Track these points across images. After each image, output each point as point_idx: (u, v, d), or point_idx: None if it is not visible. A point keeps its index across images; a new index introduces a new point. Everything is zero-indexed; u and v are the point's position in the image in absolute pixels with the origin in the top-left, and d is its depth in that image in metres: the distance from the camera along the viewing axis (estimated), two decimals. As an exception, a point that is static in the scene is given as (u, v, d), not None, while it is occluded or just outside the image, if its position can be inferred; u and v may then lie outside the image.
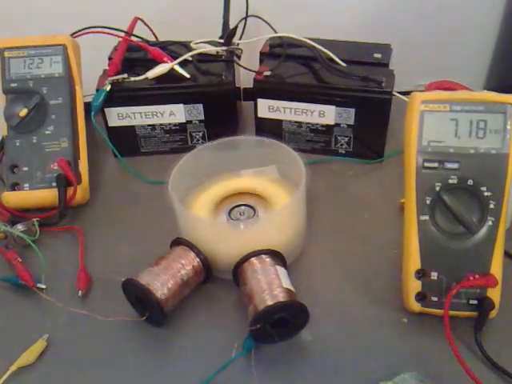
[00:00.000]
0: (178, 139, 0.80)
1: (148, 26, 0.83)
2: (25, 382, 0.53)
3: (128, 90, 0.76)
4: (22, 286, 0.60)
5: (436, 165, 0.53)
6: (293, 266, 0.62)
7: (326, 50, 0.77)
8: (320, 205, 0.70)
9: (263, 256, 0.58)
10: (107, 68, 0.77)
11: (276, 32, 0.79)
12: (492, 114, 0.52)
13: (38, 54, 0.72)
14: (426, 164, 0.53)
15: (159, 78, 0.76)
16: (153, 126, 0.79)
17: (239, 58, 0.81)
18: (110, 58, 0.79)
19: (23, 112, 0.70)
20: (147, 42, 0.82)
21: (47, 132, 0.71)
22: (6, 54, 0.72)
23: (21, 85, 0.72)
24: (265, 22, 0.78)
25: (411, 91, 0.55)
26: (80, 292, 0.60)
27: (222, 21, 0.82)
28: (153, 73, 0.76)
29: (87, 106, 0.74)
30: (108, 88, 0.74)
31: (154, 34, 0.85)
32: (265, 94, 0.75)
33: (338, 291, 0.60)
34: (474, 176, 0.52)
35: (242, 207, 0.65)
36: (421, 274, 0.54)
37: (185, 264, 0.57)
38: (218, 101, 0.77)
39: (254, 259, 0.57)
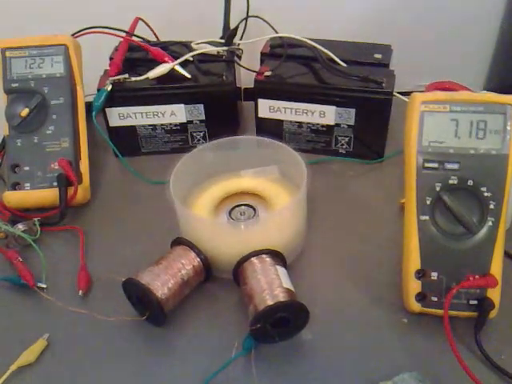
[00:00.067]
0: (179, 139, 0.80)
1: (149, 26, 0.84)
2: (25, 381, 0.53)
3: (129, 90, 0.76)
4: (23, 285, 0.61)
5: (436, 165, 0.53)
6: (293, 266, 0.62)
7: (326, 51, 0.77)
8: (320, 205, 0.70)
9: (263, 256, 0.58)
10: (108, 68, 0.77)
11: (277, 32, 0.79)
12: (492, 114, 0.52)
13: (40, 53, 0.72)
14: (426, 164, 0.53)
15: (160, 78, 0.76)
16: (154, 126, 0.79)
17: (240, 58, 0.81)
18: (111, 58, 0.79)
19: (24, 112, 0.70)
20: (148, 42, 0.82)
21: (48, 132, 0.71)
22: (8, 53, 0.72)
23: (22, 85, 0.72)
24: (265, 22, 0.78)
25: (411, 92, 0.56)
26: (80, 291, 0.60)
27: (222, 21, 0.82)
28: (154, 73, 0.76)
29: (88, 106, 0.74)
30: (109, 88, 0.74)
31: (154, 34, 0.85)
32: (265, 94, 0.76)
33: (338, 291, 0.60)
34: (474, 176, 0.52)
35: (243, 207, 0.65)
36: (421, 274, 0.54)
37: (185, 264, 0.58)
38: (219, 101, 0.77)
39: (254, 259, 0.57)
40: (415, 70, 0.87)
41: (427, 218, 0.53)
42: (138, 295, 0.56)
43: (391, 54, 0.80)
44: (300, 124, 0.77)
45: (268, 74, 0.76)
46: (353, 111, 0.73)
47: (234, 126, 0.81)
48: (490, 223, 0.53)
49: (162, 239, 0.62)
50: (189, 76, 0.76)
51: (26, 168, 0.71)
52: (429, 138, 0.53)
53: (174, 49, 0.81)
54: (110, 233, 0.69)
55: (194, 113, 0.77)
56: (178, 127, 0.79)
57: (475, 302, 0.54)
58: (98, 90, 0.75)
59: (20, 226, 0.66)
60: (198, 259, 0.58)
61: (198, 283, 0.60)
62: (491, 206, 0.52)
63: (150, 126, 0.79)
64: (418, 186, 0.53)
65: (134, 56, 0.80)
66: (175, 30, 0.84)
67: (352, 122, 0.74)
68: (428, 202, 0.53)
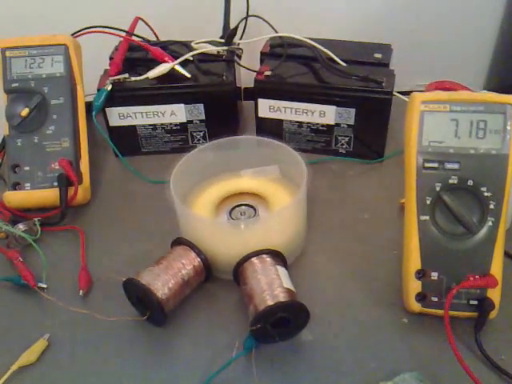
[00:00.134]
0: (179, 139, 0.80)
1: (149, 26, 0.84)
2: (26, 381, 0.53)
3: (129, 90, 0.76)
4: (24, 285, 0.61)
5: (436, 165, 0.53)
6: (293, 266, 0.62)
7: (326, 50, 0.77)
8: (320, 205, 0.70)
9: (264, 256, 0.58)
10: (108, 68, 0.77)
11: (276, 32, 0.79)
12: (492, 114, 0.52)
13: (40, 53, 0.72)
14: (426, 164, 0.53)
15: (160, 78, 0.76)
16: (154, 126, 0.79)
17: (240, 57, 0.81)
18: (111, 58, 0.79)
19: (24, 112, 0.70)
20: (148, 41, 0.82)
21: (48, 132, 0.71)
22: (8, 53, 0.72)
23: (22, 84, 0.72)
24: (265, 21, 0.78)
25: (411, 91, 0.56)
26: (81, 291, 0.60)
27: (222, 21, 0.82)
28: (154, 72, 0.76)
29: (88, 106, 0.74)
30: (109, 88, 0.74)
31: (154, 34, 0.85)
32: (265, 94, 0.76)
33: (338, 291, 0.60)
34: (474, 176, 0.52)
35: (243, 207, 0.65)
36: (421, 275, 0.54)
37: (185, 264, 0.58)
38: (219, 101, 0.77)
39: (254, 259, 0.57)
40: (415, 69, 0.87)
41: (427, 217, 0.53)
42: (138, 295, 0.56)
43: (391, 53, 0.80)
44: (300, 124, 0.77)
45: (268, 73, 0.76)
46: (353, 111, 0.73)
47: (234, 125, 0.81)
48: (490, 223, 0.53)
49: (162, 239, 0.62)
50: (189, 76, 0.76)
51: (27, 168, 0.71)
52: (429, 138, 0.53)
53: (173, 48, 0.81)
54: (111, 233, 0.69)
55: (194, 112, 0.77)
56: (178, 127, 0.79)
57: (475, 302, 0.54)
58: (98, 90, 0.75)
59: (20, 226, 0.66)
60: (199, 259, 0.58)
61: (198, 283, 0.60)
62: (491, 206, 0.52)
63: (150, 125, 0.79)
64: (418, 186, 0.53)
65: (134, 56, 0.80)
66: (175, 30, 0.84)
67: (352, 122, 0.75)
68: (428, 202, 0.53)
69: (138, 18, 0.81)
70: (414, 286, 0.55)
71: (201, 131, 0.80)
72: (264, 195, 0.67)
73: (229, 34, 0.80)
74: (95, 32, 0.77)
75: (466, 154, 0.53)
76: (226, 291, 0.60)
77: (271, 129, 0.77)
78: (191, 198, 0.68)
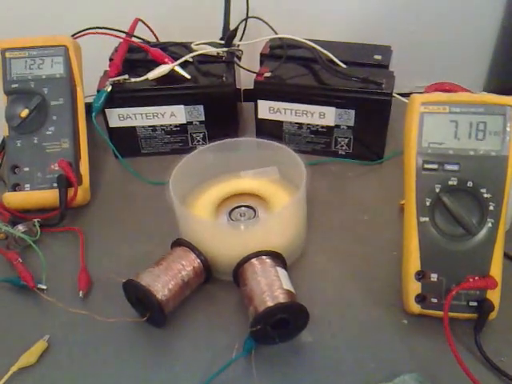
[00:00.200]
0: (179, 140, 0.80)
1: (149, 27, 0.84)
2: (25, 382, 0.53)
3: (129, 91, 0.76)
4: (23, 286, 0.61)
5: (436, 166, 0.53)
6: (293, 267, 0.62)
7: (326, 52, 0.77)
8: (320, 206, 0.70)
9: (263, 257, 0.58)
10: (108, 69, 0.77)
11: (276, 33, 0.79)
12: (491, 115, 0.52)
13: (40, 54, 0.72)
14: (426, 165, 0.53)
15: (160, 79, 0.76)
16: (153, 127, 0.79)
17: (240, 59, 0.81)
18: (110, 59, 0.79)
19: (24, 113, 0.70)
20: (148, 43, 0.82)
21: (48, 133, 0.71)
22: (8, 54, 0.72)
23: (22, 85, 0.72)
24: (265, 23, 0.78)
25: (411, 93, 0.56)
26: (81, 292, 0.60)
27: (222, 22, 0.82)
28: (153, 74, 0.76)
29: (88, 107, 0.74)
30: (109, 89, 0.74)
31: (154, 35, 0.85)
32: (265, 96, 0.76)
33: (337, 292, 0.60)
34: (474, 178, 0.52)
35: (243, 208, 0.65)
36: (421, 276, 0.54)
37: (185, 265, 0.58)
38: (219, 102, 0.77)
39: (254, 260, 0.57)
40: (415, 71, 0.87)
41: (427, 219, 0.53)
42: (138, 296, 0.56)
43: (391, 55, 0.80)
44: (300, 125, 0.77)
45: (268, 75, 0.76)
46: (352, 112, 0.73)
47: (234, 127, 0.81)
48: (490, 224, 0.53)
49: (161, 240, 0.62)
50: (188, 77, 0.76)
51: (26, 169, 0.71)
52: (428, 139, 0.53)
53: (173, 50, 0.81)
54: (110, 234, 0.69)
55: (193, 114, 0.77)
56: (178, 128, 0.79)
57: (475, 304, 0.54)
58: (98, 91, 0.75)
59: (20, 227, 0.66)
60: (198, 260, 0.58)
61: (198, 284, 0.60)
62: (491, 208, 0.53)
63: (149, 126, 0.79)
64: (417, 188, 0.53)
65: (134, 57, 0.80)
66: (175, 31, 0.84)
67: (352, 123, 0.75)
68: (428, 204, 0.53)
69: (137, 20, 0.81)
70: (414, 288, 0.55)
71: (200, 132, 0.80)
72: (264, 196, 0.67)
73: (229, 36, 0.80)
74: (95, 33, 0.77)
75: (466, 156, 0.53)
76: (226, 292, 0.60)
77: (271, 130, 0.78)
78: (191, 199, 0.68)
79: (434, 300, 0.54)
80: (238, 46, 0.81)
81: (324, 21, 0.91)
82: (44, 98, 0.71)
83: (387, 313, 0.57)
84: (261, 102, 0.76)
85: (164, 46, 0.81)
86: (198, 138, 0.80)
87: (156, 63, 0.77)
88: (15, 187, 0.70)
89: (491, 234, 0.53)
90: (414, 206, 0.54)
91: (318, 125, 0.76)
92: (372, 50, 0.80)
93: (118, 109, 0.76)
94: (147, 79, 0.76)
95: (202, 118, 0.78)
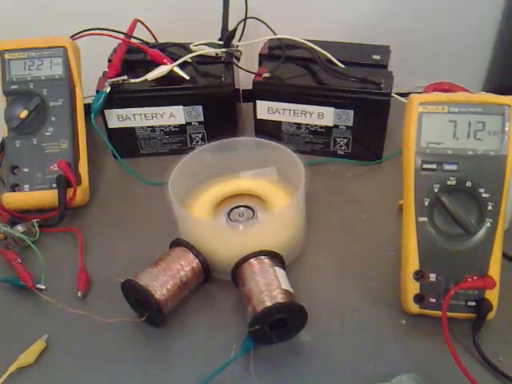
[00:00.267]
0: (178, 141, 0.81)
1: (147, 28, 0.84)
2: (24, 382, 0.53)
3: (128, 92, 0.76)
4: (22, 286, 0.61)
5: (434, 166, 0.53)
6: (292, 267, 0.62)
7: (324, 52, 0.77)
8: (319, 206, 0.70)
9: (262, 257, 0.58)
10: (107, 70, 0.78)
11: (275, 34, 0.79)
12: (490, 115, 0.52)
13: (39, 55, 0.72)
14: (425, 165, 0.53)
15: (159, 80, 0.76)
16: (152, 128, 0.79)
17: (238, 59, 0.81)
18: (109, 60, 0.79)
19: (23, 113, 0.70)
20: (147, 43, 0.82)
21: (47, 133, 0.71)
22: (7, 55, 0.72)
23: (21, 86, 0.72)
24: (264, 23, 0.78)
25: (410, 93, 0.56)
26: (79, 293, 0.60)
27: (221, 23, 0.82)
28: (152, 74, 0.76)
29: (87, 108, 0.74)
30: (108, 90, 0.74)
31: (153, 36, 0.86)
32: (264, 96, 0.76)
33: (336, 292, 0.60)
34: (473, 177, 0.52)
35: (242, 208, 0.65)
36: (419, 276, 0.54)
37: (184, 265, 0.58)
38: (218, 102, 0.77)
39: (252, 260, 0.57)
40: (413, 71, 0.87)
41: (425, 219, 0.53)
42: (136, 296, 0.56)
43: (389, 55, 0.80)
44: (298, 125, 0.77)
45: (266, 75, 0.76)
46: (351, 112, 0.73)
47: (233, 127, 0.81)
48: (489, 224, 0.53)
49: (160, 240, 0.62)
50: (187, 78, 0.76)
51: (25, 169, 0.71)
52: (427, 139, 0.53)
53: (172, 50, 0.81)
54: (109, 234, 0.69)
55: (192, 114, 0.77)
56: (177, 129, 0.79)
57: (473, 304, 0.54)
58: (97, 92, 0.75)
59: (19, 228, 0.66)
60: (197, 260, 0.58)
61: (196, 284, 0.60)
62: (489, 207, 0.52)
63: (148, 127, 0.79)
64: (416, 187, 0.53)
65: (133, 58, 0.80)
66: (174, 32, 0.84)
67: (350, 124, 0.75)
68: (426, 204, 0.53)
69: (136, 21, 0.81)
70: (412, 287, 0.55)
71: (199, 133, 0.80)
72: (263, 197, 0.67)
73: (227, 36, 0.80)
74: (94, 34, 0.77)
75: (465, 156, 0.53)
76: (225, 292, 0.60)
77: (270, 130, 0.78)
78: (190, 199, 0.68)
79: (433, 300, 0.54)
80: (237, 46, 0.81)
81: (323, 21, 0.91)
82: (43, 99, 0.72)
83: (385, 312, 0.57)
84: (259, 103, 0.76)
85: (163, 47, 0.81)
86: (197, 138, 0.80)
87: (155, 64, 0.77)
88: (14, 188, 0.71)
89: (490, 233, 0.53)
90: (413, 206, 0.54)
91: (316, 125, 0.76)
92: (370, 50, 0.80)
93: (116, 109, 0.76)
94: (146, 80, 0.76)
95: (201, 119, 0.78)
